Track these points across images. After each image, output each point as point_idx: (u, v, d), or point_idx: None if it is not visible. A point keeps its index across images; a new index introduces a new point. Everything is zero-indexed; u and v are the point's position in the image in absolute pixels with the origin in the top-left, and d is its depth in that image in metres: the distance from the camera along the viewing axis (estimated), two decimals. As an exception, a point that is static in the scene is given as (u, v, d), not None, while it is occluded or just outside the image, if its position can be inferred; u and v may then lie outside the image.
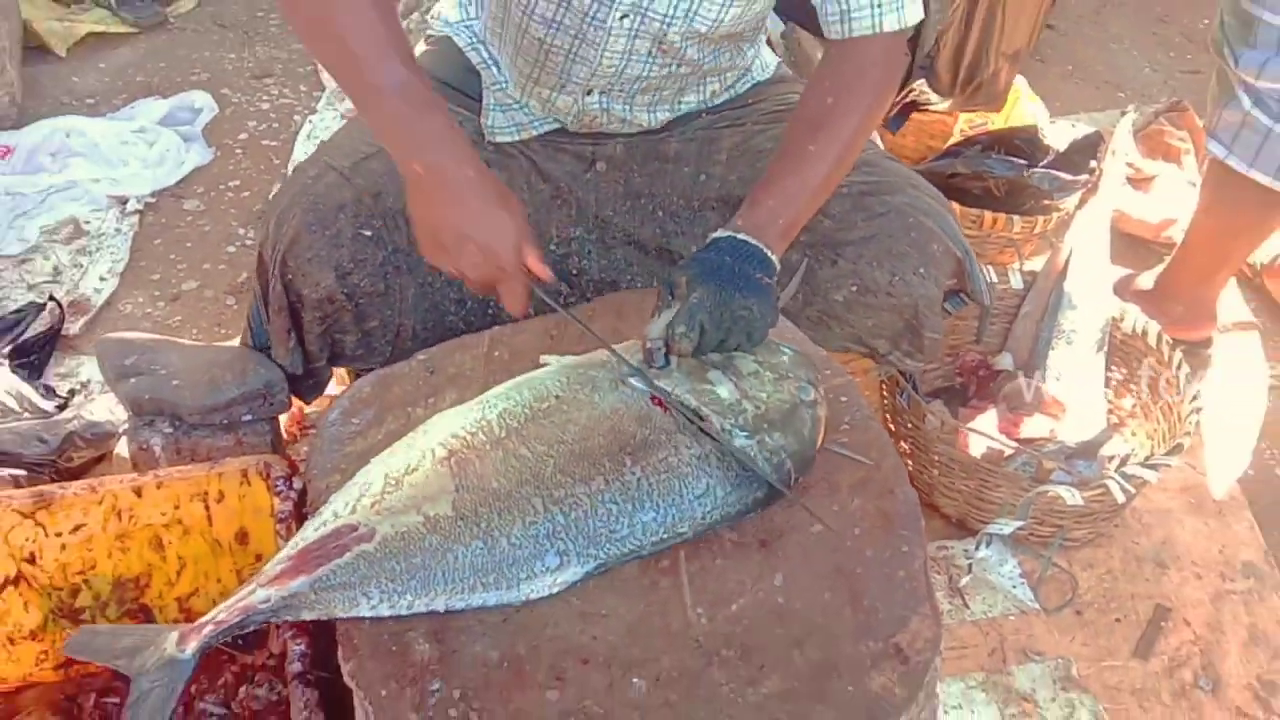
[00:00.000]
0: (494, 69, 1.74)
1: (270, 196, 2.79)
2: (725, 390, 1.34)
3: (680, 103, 1.77)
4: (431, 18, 1.87)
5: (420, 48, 1.86)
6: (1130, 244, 2.75)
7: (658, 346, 1.35)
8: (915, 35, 2.50)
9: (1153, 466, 1.92)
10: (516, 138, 1.76)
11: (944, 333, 1.74)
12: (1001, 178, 2.45)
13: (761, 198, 1.49)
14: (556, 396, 1.32)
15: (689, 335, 1.33)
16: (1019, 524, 1.92)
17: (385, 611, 1.19)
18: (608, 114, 1.72)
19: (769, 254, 1.43)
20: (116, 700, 1.55)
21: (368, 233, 1.63)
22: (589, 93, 1.68)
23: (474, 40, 1.76)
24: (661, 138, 1.79)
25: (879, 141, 2.06)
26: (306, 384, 1.81)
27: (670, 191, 1.79)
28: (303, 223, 1.60)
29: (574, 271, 1.80)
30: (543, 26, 1.59)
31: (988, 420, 2.14)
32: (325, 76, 3.23)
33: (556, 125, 1.76)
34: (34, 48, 3.22)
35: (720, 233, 1.45)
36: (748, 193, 1.52)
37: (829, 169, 1.53)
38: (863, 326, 1.73)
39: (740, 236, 1.43)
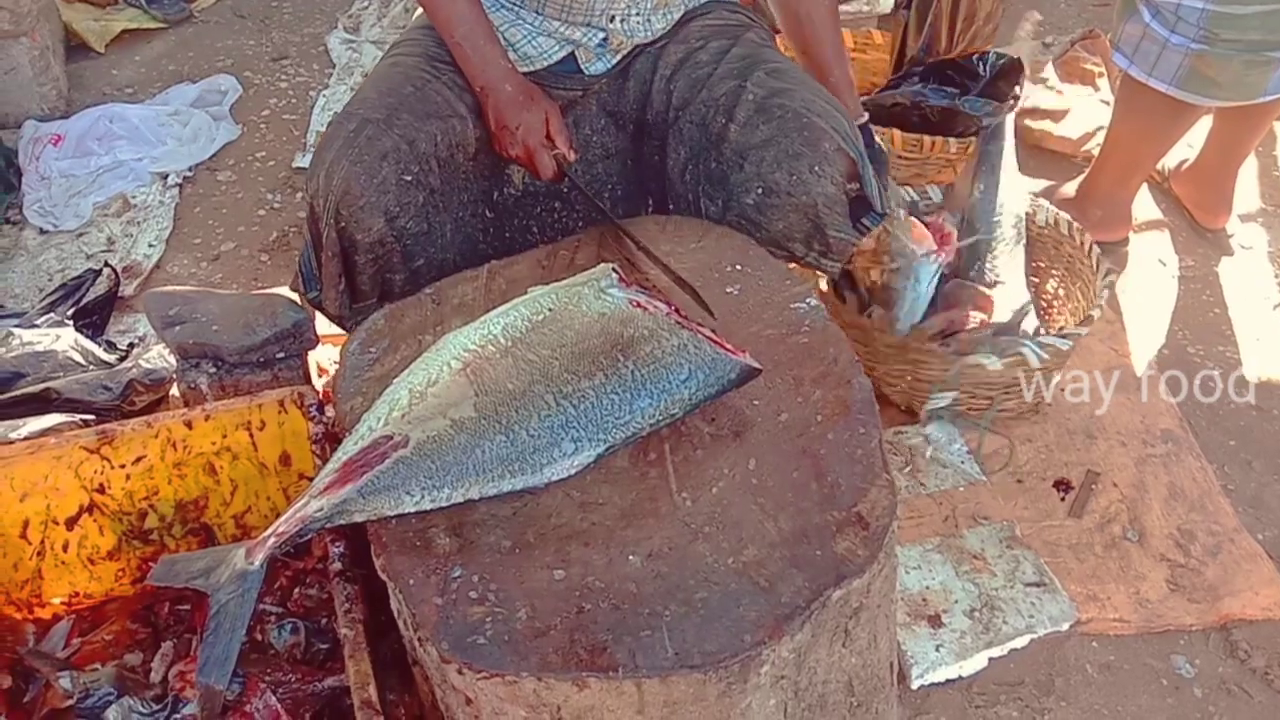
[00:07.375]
0: (505, 11, 1.74)
1: (299, 159, 2.76)
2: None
3: (671, 10, 1.78)
4: None
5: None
6: (1055, 159, 2.70)
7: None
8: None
9: (1065, 336, 1.90)
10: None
11: (853, 236, 1.67)
12: (936, 106, 2.39)
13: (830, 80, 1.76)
14: (550, 309, 1.30)
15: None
16: (953, 393, 1.90)
17: (427, 505, 1.18)
18: (630, 40, 1.74)
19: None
20: (188, 606, 1.55)
21: (408, 177, 1.58)
22: (612, 19, 1.70)
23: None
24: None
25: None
26: (351, 323, 1.73)
27: (631, 106, 1.78)
28: (351, 173, 1.54)
29: (565, 187, 1.77)
30: None
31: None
32: (335, 55, 3.16)
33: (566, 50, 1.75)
34: (75, 46, 3.17)
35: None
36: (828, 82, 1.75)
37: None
38: (776, 230, 1.63)
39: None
